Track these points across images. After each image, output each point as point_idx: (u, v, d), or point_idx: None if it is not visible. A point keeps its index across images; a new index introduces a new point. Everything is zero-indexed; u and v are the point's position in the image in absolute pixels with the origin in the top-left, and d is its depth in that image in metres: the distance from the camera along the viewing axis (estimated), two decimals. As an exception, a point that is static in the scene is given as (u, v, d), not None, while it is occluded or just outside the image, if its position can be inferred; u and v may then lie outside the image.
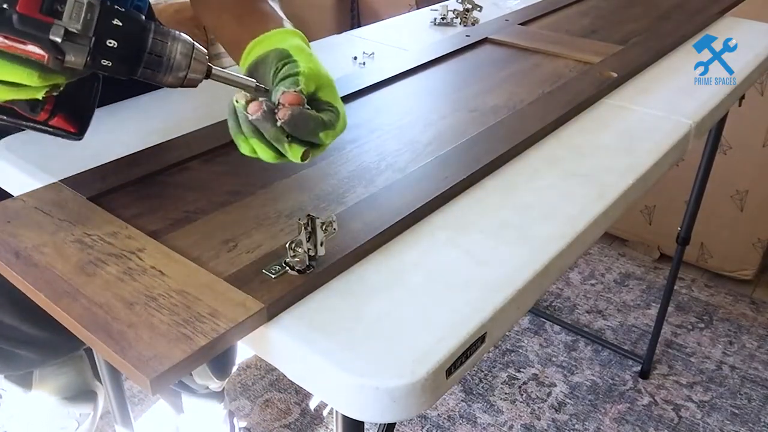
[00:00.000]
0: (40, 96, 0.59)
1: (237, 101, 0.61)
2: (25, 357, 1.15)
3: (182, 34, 0.61)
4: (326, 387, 0.53)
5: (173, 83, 0.62)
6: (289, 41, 0.69)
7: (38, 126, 0.64)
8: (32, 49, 0.55)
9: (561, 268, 0.69)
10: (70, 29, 0.55)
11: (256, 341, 0.57)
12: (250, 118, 0.60)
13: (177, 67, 0.60)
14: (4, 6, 0.53)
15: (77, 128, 0.66)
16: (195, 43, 0.62)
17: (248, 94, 0.61)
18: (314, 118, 0.62)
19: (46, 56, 0.55)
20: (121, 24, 0.57)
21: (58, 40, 0.55)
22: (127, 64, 0.59)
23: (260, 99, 0.60)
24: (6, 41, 0.54)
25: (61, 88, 0.61)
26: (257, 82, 0.65)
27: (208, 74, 0.63)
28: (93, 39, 0.56)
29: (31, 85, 0.56)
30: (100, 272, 0.58)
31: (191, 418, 1.58)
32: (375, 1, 2.94)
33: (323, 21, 3.01)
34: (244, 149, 0.63)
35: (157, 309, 0.54)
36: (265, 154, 0.62)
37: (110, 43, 0.57)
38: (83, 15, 0.55)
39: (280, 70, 0.65)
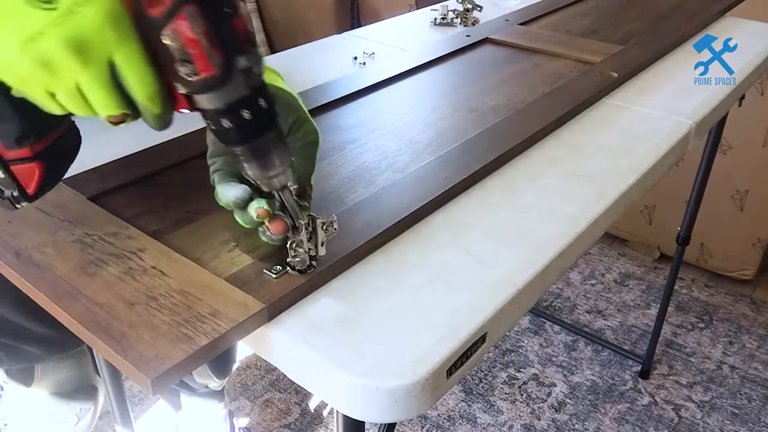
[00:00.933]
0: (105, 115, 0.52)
1: (257, 216, 0.59)
2: (30, 352, 1.16)
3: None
4: (327, 387, 0.53)
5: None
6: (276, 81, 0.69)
7: None
8: None
9: (561, 268, 0.69)
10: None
11: (256, 341, 0.57)
12: (271, 237, 0.60)
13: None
14: None
15: (37, 189, 0.56)
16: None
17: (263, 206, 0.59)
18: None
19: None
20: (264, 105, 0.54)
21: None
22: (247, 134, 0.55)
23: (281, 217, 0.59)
24: None
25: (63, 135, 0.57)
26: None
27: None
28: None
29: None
30: (100, 272, 0.58)
31: (191, 418, 1.59)
32: (375, 1, 2.94)
33: (323, 21, 3.01)
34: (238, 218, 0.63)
35: (158, 309, 0.54)
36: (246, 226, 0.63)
37: (226, 124, 0.53)
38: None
39: (296, 131, 0.65)
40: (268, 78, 0.65)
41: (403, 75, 1.08)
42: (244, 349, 1.89)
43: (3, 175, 0.54)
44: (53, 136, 0.55)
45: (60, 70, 0.47)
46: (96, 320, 0.52)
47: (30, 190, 0.55)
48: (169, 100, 0.51)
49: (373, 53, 1.18)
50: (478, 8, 1.40)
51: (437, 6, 1.43)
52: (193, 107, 0.52)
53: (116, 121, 0.52)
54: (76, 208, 0.68)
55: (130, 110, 0.51)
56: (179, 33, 0.47)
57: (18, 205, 0.56)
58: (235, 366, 1.88)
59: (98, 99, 0.49)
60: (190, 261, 0.60)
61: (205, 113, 0.52)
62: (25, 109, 0.51)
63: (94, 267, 0.59)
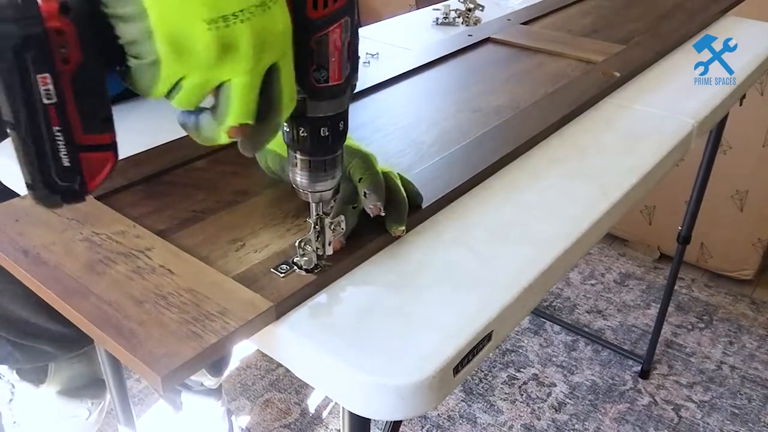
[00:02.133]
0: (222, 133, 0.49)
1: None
2: (44, 350, 1.16)
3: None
4: (334, 384, 0.54)
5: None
6: None
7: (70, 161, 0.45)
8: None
9: (565, 267, 0.70)
10: None
11: (264, 339, 0.57)
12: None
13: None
14: None
15: (100, 183, 0.48)
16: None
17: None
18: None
19: None
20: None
21: None
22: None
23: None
24: None
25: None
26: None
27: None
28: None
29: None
30: (109, 271, 0.59)
31: (189, 416, 1.59)
32: (375, 1, 2.95)
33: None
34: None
35: (166, 307, 0.54)
36: None
37: (324, 132, 0.54)
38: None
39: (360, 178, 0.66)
40: None
41: (406, 75, 1.08)
42: (244, 349, 1.90)
43: (68, 164, 0.45)
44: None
45: (231, 61, 0.44)
46: (106, 318, 0.53)
47: (94, 184, 0.47)
48: None
49: (378, 53, 1.19)
50: (480, 8, 1.40)
51: (439, 5, 1.43)
52: (293, 115, 0.52)
53: (235, 134, 0.49)
54: (84, 207, 0.68)
55: (258, 120, 0.49)
56: (331, 39, 0.48)
57: (70, 202, 0.47)
58: (235, 366, 1.88)
59: (243, 104, 0.47)
60: (198, 260, 0.61)
61: (305, 120, 0.52)
62: (116, 83, 0.47)
63: (102, 265, 0.59)
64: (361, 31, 1.34)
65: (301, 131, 0.53)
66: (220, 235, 0.65)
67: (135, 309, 0.54)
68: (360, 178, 0.65)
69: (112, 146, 0.47)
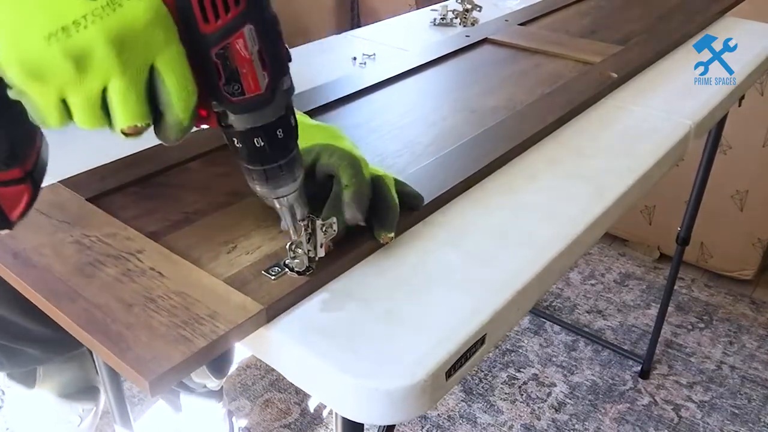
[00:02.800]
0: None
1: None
2: (31, 354, 1.16)
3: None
4: (325, 389, 0.53)
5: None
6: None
7: None
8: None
9: (561, 269, 0.69)
10: None
11: (255, 343, 0.57)
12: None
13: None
14: None
15: (21, 215, 0.48)
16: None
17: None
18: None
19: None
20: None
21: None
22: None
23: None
24: None
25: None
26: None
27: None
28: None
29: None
30: (98, 273, 0.58)
31: (190, 417, 1.59)
32: (375, 1, 2.94)
33: (323, 21, 3.01)
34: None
35: (156, 310, 0.54)
36: None
37: (258, 143, 0.51)
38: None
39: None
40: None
41: (403, 75, 1.08)
42: (243, 350, 1.89)
43: None
44: (35, 151, 0.49)
45: (93, 70, 0.42)
46: (94, 322, 0.52)
47: (14, 216, 0.47)
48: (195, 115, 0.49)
49: (374, 54, 1.18)
50: (478, 8, 1.40)
51: (437, 6, 1.43)
52: (222, 125, 0.50)
53: (132, 133, 0.46)
54: (75, 209, 0.68)
55: (152, 122, 0.47)
56: (234, 51, 0.46)
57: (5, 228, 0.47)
58: (235, 366, 1.88)
59: (126, 107, 0.44)
60: (189, 262, 0.60)
61: (233, 132, 0.50)
62: (16, 119, 0.45)
63: (92, 268, 0.59)
64: (359, 31, 1.34)
65: (235, 142, 0.51)
66: (212, 237, 0.65)
67: (124, 312, 0.53)
68: (345, 185, 0.63)
69: (26, 178, 0.46)
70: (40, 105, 0.43)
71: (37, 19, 0.40)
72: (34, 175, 0.47)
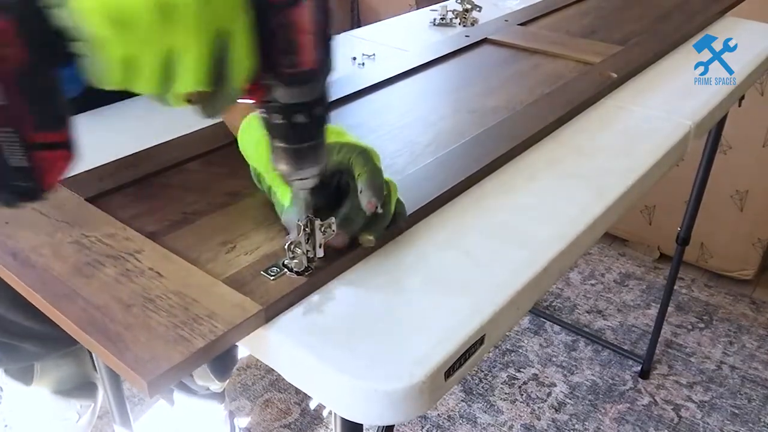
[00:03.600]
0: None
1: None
2: (29, 350, 1.15)
3: None
4: (324, 389, 0.53)
5: None
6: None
7: (19, 150, 0.43)
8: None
9: (560, 269, 0.69)
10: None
11: (254, 343, 0.57)
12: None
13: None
14: None
15: (56, 183, 0.47)
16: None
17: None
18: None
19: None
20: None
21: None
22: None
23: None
24: None
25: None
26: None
27: None
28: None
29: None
30: (97, 274, 0.58)
31: (191, 419, 1.58)
32: (375, 1, 2.94)
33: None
34: None
35: (154, 311, 0.54)
36: None
37: (298, 119, 0.52)
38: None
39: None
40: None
41: (402, 75, 1.08)
42: (244, 349, 1.89)
43: (22, 164, 0.43)
44: (72, 121, 0.47)
45: (177, 25, 0.41)
46: (92, 322, 0.52)
47: (50, 182, 0.45)
48: None
49: (374, 54, 1.18)
50: (477, 8, 1.40)
51: (437, 6, 1.43)
52: (267, 99, 0.50)
53: (188, 100, 0.47)
54: (74, 209, 0.68)
55: (213, 89, 0.46)
56: (297, 22, 0.46)
57: (27, 201, 0.46)
58: (236, 366, 1.88)
59: (194, 70, 0.44)
60: (188, 262, 0.60)
61: (276, 106, 0.51)
62: (73, 77, 0.44)
63: (91, 268, 0.59)
64: (358, 32, 1.34)
65: (274, 118, 0.51)
66: (211, 237, 0.65)
67: (123, 313, 0.53)
68: (358, 174, 0.63)
69: (68, 143, 0.45)
70: (110, 58, 0.42)
71: None
72: (73, 142, 0.46)
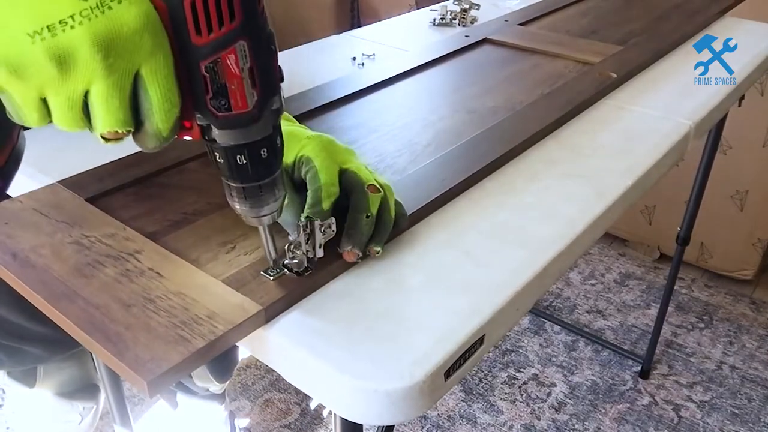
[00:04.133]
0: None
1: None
2: (32, 353, 1.16)
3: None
4: (324, 389, 0.53)
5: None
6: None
7: None
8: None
9: (560, 269, 0.69)
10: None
11: (254, 343, 0.57)
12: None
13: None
14: None
15: None
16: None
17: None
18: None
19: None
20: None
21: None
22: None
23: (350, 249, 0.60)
24: None
25: None
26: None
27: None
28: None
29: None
30: (97, 274, 0.58)
31: (191, 420, 1.58)
32: (375, 1, 2.94)
33: (323, 21, 3.01)
34: None
35: (154, 311, 0.54)
36: None
37: (240, 160, 0.51)
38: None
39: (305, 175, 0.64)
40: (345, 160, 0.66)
41: (402, 76, 1.08)
42: (243, 350, 1.89)
43: None
44: (9, 147, 0.48)
45: (76, 72, 0.41)
46: (92, 322, 0.52)
47: None
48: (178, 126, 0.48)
49: (374, 54, 1.18)
50: (476, 7, 1.40)
51: (436, 6, 1.43)
52: (205, 138, 0.49)
53: (111, 138, 0.46)
54: (74, 209, 0.68)
55: (134, 128, 0.46)
56: (224, 66, 0.45)
57: None
58: (236, 366, 1.88)
59: (108, 112, 0.44)
60: (187, 263, 0.60)
61: (216, 146, 0.50)
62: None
63: (91, 269, 0.59)
64: (357, 32, 1.34)
65: (217, 157, 0.51)
66: (211, 237, 0.65)
67: (123, 313, 0.53)
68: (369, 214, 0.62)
69: None
70: (19, 102, 0.42)
71: (23, 16, 0.39)
72: (5, 171, 0.44)
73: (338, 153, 0.66)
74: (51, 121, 0.44)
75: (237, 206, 0.54)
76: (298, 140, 0.66)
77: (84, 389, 1.36)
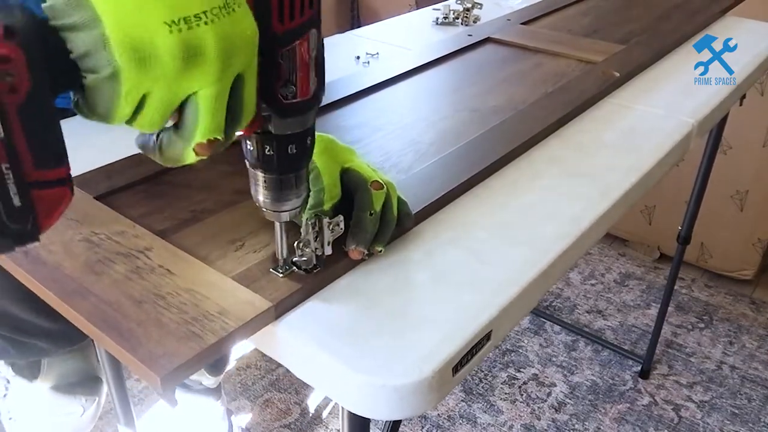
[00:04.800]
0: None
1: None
2: (38, 346, 1.16)
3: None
4: (333, 385, 0.54)
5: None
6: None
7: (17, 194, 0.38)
8: None
9: (564, 267, 0.70)
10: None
11: (263, 339, 0.57)
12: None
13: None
14: None
15: (52, 222, 0.42)
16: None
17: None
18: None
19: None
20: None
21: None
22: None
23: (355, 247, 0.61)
24: None
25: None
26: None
27: None
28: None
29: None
30: (108, 271, 0.59)
31: (189, 415, 1.59)
32: (375, 1, 2.95)
33: (323, 21, 3.01)
34: None
35: (165, 307, 0.54)
36: None
37: (291, 150, 0.52)
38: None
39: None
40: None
41: (406, 75, 1.08)
42: (243, 349, 1.90)
43: (19, 204, 0.38)
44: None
45: (196, 71, 0.40)
46: (105, 318, 0.53)
47: (49, 223, 0.41)
48: None
49: (377, 53, 1.19)
50: (478, 6, 1.40)
51: (439, 5, 1.43)
52: (258, 131, 0.50)
53: (203, 152, 0.45)
54: (83, 207, 0.69)
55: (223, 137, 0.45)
56: (299, 53, 0.46)
57: (21, 245, 0.40)
58: (236, 366, 1.88)
59: (213, 117, 0.42)
60: (197, 260, 0.61)
61: (270, 137, 0.50)
62: (68, 115, 0.42)
63: (101, 266, 0.59)
64: (361, 31, 1.34)
65: (267, 149, 0.51)
66: (220, 234, 0.65)
67: (134, 309, 0.54)
68: (372, 211, 0.62)
69: (67, 180, 0.41)
70: (121, 94, 0.40)
71: (162, 4, 0.38)
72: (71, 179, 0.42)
73: (339, 153, 0.67)
74: (133, 121, 0.42)
75: (262, 198, 0.55)
76: None
77: (86, 381, 1.36)
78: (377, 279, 0.62)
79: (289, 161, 0.52)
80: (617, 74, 1.06)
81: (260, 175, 0.54)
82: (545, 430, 1.72)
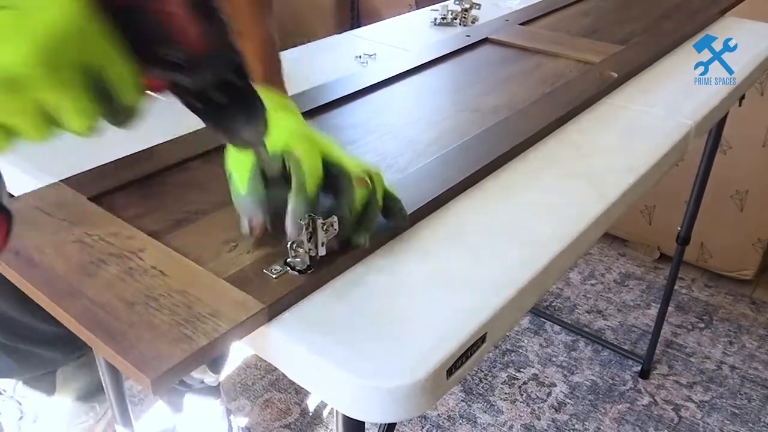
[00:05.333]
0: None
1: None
2: (44, 356, 1.15)
3: None
4: (326, 387, 0.53)
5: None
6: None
7: None
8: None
9: (562, 268, 0.69)
10: None
11: (256, 341, 0.57)
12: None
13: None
14: None
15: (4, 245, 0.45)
16: None
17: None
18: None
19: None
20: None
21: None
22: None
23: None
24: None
25: None
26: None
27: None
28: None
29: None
30: (100, 272, 0.58)
31: (189, 415, 1.58)
32: (375, 1, 2.94)
33: (323, 21, 3.01)
34: None
35: (157, 309, 0.54)
36: None
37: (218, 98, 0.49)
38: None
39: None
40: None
41: (403, 75, 1.08)
42: (244, 349, 1.89)
43: None
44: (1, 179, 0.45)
45: (22, 92, 0.38)
46: (96, 320, 0.52)
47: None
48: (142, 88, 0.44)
49: (375, 54, 1.18)
50: (477, 6, 1.40)
51: (437, 6, 1.43)
52: (173, 85, 0.47)
53: (88, 134, 0.43)
54: (76, 208, 0.68)
55: (108, 114, 0.43)
56: (164, 5, 0.42)
57: None
58: (236, 366, 1.88)
59: (74, 115, 0.41)
60: (190, 261, 0.60)
61: (188, 92, 0.47)
62: None
63: (94, 267, 0.59)
64: (359, 31, 1.34)
65: (192, 102, 0.49)
66: (213, 235, 0.65)
67: (126, 311, 0.53)
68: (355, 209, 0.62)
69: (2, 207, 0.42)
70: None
71: None
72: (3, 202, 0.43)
73: (319, 142, 0.66)
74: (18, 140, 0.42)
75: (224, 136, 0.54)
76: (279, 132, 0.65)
77: (97, 391, 1.37)
78: (371, 280, 0.61)
79: (220, 109, 0.50)
80: (615, 75, 1.06)
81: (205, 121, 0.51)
82: (545, 430, 1.72)
